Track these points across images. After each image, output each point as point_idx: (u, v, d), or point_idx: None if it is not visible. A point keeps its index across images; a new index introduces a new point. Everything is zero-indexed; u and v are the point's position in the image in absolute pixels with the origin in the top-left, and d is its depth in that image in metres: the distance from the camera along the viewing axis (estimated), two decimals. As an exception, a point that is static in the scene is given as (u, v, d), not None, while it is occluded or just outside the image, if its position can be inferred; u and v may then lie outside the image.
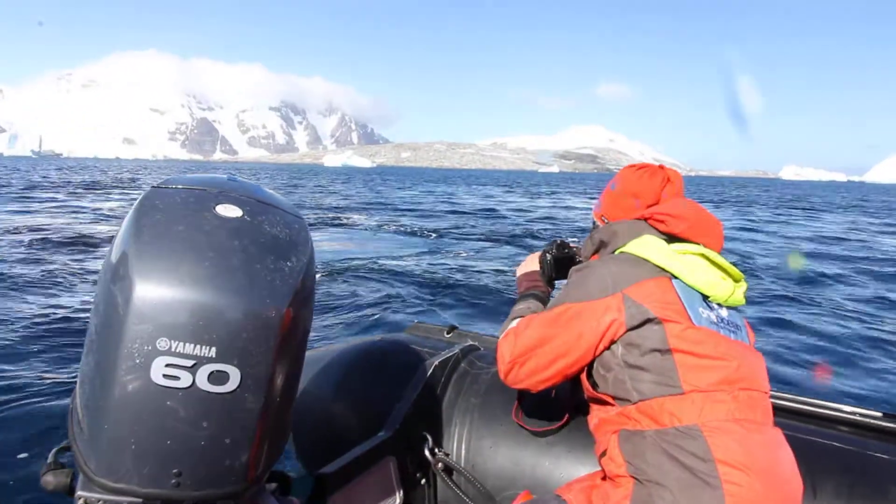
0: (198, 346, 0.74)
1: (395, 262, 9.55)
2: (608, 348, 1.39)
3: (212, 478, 0.79)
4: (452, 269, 9.28)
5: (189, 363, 0.75)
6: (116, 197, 21.74)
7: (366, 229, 15.41)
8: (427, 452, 1.86)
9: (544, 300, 1.69)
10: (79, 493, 0.80)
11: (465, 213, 21.73)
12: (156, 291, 0.74)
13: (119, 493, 0.78)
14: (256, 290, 0.78)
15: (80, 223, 13.31)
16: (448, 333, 2.51)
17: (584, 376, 1.48)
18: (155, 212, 0.84)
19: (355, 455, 1.65)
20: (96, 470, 0.78)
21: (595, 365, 1.44)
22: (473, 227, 16.68)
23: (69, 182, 30.58)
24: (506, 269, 9.33)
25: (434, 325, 2.65)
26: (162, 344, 0.74)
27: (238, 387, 0.77)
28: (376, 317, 6.20)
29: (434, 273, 8.71)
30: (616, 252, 1.52)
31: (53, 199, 19.94)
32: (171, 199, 0.86)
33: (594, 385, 1.45)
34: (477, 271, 9.10)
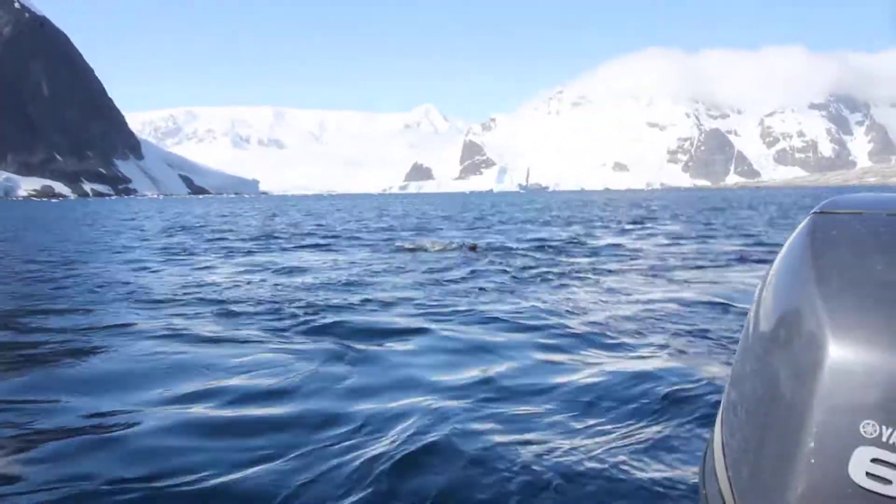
0: None
1: None
2: None
3: None
4: None
5: None
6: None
7: None
8: None
9: None
10: None
11: None
12: (860, 357, 0.56)
13: None
14: None
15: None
16: None
17: None
18: (835, 246, 0.64)
19: None
20: None
21: None
22: None
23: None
24: None
25: None
26: (868, 430, 0.55)
27: None
28: None
29: None
30: None
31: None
32: (852, 228, 0.66)
33: None
34: None
